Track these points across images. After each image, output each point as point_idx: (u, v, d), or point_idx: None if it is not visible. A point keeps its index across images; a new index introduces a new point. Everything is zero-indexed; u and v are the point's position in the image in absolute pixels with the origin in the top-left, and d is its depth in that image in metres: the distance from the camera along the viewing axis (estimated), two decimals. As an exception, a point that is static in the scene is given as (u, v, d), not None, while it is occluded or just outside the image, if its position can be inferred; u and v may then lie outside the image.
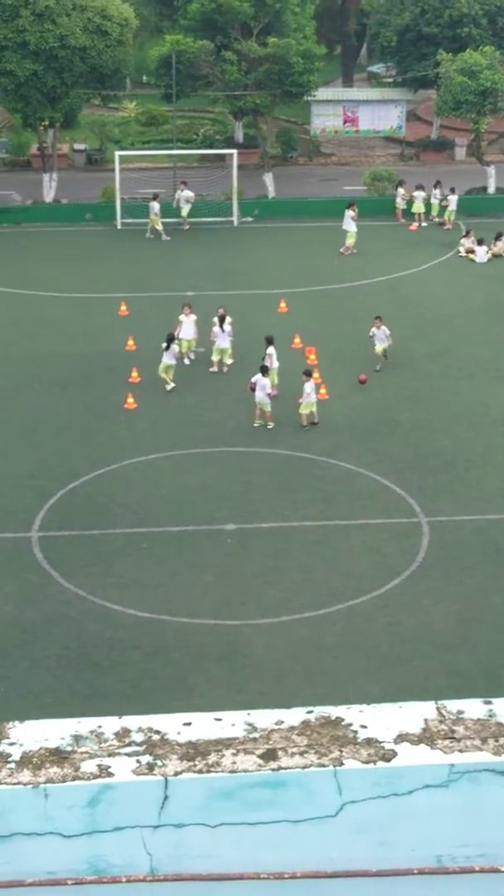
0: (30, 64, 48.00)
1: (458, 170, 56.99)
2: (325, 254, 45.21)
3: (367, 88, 67.33)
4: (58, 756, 6.00)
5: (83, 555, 24.41)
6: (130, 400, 31.55)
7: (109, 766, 5.91)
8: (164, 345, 32.31)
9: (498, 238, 45.26)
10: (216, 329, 33.59)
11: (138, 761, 5.94)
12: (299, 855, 5.96)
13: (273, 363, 31.22)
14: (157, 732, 6.15)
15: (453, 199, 49.12)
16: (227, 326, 33.61)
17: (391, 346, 33.85)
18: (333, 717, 6.26)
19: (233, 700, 19.31)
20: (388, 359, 33.84)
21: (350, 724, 6.20)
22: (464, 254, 45.24)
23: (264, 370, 30.25)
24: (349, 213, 45.48)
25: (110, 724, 6.22)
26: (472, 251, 44.93)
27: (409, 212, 49.66)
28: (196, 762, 5.94)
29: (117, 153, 51.06)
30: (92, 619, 22.18)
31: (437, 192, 49.96)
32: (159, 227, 47.32)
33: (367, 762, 5.94)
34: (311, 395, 29.93)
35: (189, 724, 6.21)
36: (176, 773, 5.87)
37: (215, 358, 33.83)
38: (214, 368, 33.82)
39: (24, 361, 34.75)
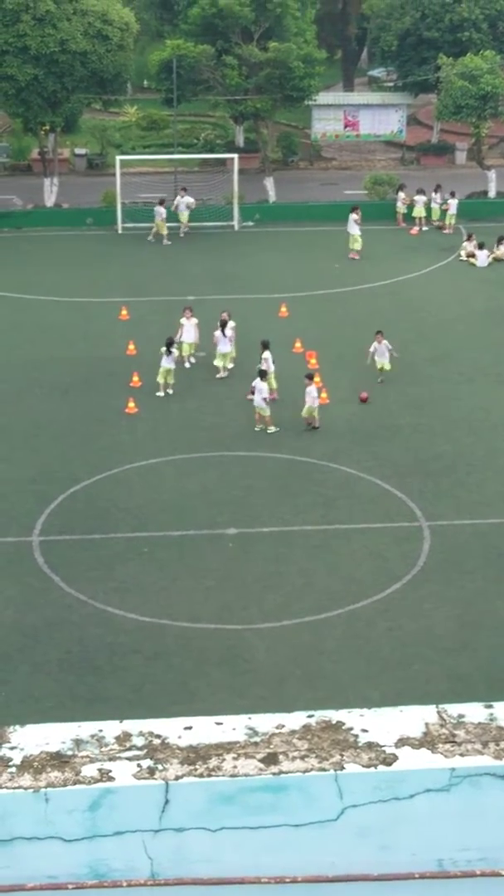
0: (31, 68, 48.04)
1: (458, 174, 56.99)
2: (325, 258, 45.23)
3: (368, 93, 67.36)
4: (59, 760, 5.99)
5: (84, 559, 24.41)
6: (131, 404, 31.54)
7: (110, 771, 5.91)
8: (164, 349, 32.30)
9: (499, 242, 45.26)
10: (217, 333, 33.55)
11: (139, 765, 5.94)
12: (300, 859, 5.96)
13: (269, 367, 31.21)
14: (158, 737, 6.15)
15: (453, 203, 49.17)
16: (228, 331, 33.53)
17: (396, 358, 33.25)
18: (334, 722, 6.26)
19: (234, 704, 19.31)
20: (386, 373, 33.30)
21: (351, 729, 6.20)
22: (465, 258, 45.26)
23: (262, 374, 30.27)
24: (353, 216, 45.43)
25: (111, 729, 6.22)
26: (473, 255, 44.95)
27: (410, 216, 49.67)
28: (197, 766, 5.94)
29: (118, 158, 51.09)
30: (93, 624, 22.19)
31: (437, 196, 50.00)
32: (164, 233, 47.35)
33: (368, 766, 5.94)
34: (315, 400, 29.96)
35: (190, 728, 6.21)
36: (177, 778, 5.87)
37: (219, 363, 33.78)
38: (221, 374, 33.77)
39: (25, 366, 34.75)
